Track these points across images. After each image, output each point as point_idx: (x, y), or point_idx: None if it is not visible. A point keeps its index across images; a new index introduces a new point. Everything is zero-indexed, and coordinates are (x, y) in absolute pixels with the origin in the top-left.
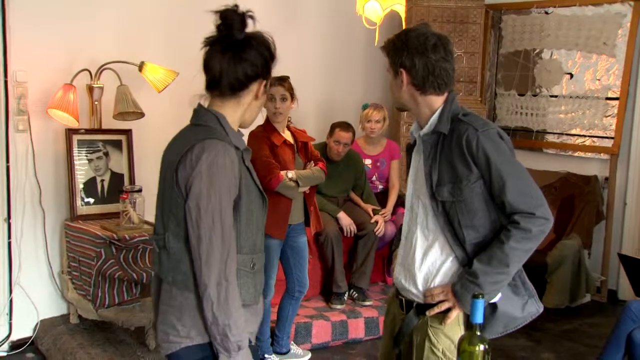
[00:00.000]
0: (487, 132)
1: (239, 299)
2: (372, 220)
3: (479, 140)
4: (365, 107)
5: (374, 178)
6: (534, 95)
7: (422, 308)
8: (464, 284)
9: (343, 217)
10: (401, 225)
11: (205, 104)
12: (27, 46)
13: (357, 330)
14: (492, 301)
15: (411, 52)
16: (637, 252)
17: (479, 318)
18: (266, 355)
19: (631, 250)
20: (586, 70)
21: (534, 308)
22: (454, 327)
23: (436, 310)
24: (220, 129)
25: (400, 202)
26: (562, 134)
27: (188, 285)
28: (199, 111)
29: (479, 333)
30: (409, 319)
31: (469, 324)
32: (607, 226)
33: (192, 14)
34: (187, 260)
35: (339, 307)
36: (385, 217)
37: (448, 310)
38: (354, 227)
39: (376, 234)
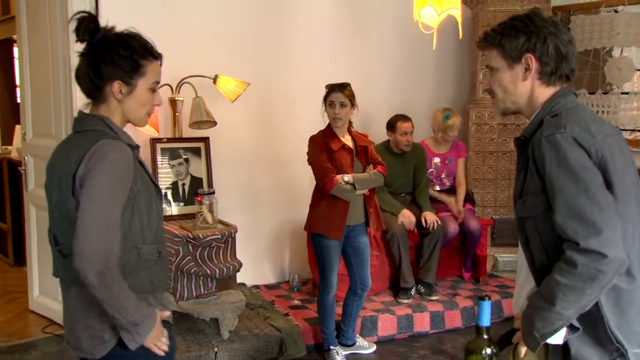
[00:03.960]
0: (554, 136)
1: (123, 282)
2: (422, 218)
3: (541, 146)
4: (448, 117)
5: (443, 175)
6: (605, 93)
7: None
8: (523, 317)
9: (404, 213)
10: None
11: (87, 109)
12: None
13: (422, 323)
14: (552, 343)
15: (541, 31)
16: None
17: (485, 321)
18: (331, 347)
19: None
20: None
21: None
22: None
23: (515, 339)
24: (109, 129)
25: (467, 198)
26: (635, 130)
27: None
28: (81, 118)
29: (485, 336)
30: (502, 337)
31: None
32: None
33: (260, 28)
34: None
35: (405, 301)
36: (460, 215)
37: None
38: (412, 220)
39: (429, 229)
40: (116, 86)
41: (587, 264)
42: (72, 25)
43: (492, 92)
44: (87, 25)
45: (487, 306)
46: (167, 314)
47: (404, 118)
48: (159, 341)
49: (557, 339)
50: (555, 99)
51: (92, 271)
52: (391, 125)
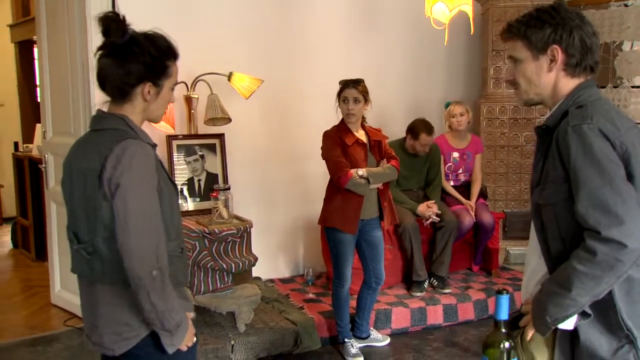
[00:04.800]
0: (581, 126)
1: (170, 284)
2: (419, 209)
3: (567, 136)
4: (447, 105)
5: (460, 170)
6: (615, 87)
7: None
8: (534, 301)
9: (422, 208)
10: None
11: (106, 108)
12: None
13: (435, 316)
14: (563, 328)
15: (567, 23)
16: None
17: (502, 315)
18: (346, 340)
19: None
20: None
21: (632, 358)
22: (539, 346)
23: (522, 322)
24: (129, 129)
25: (481, 194)
26: None
27: None
28: (101, 116)
29: (503, 330)
30: (510, 321)
31: (561, 348)
32: None
33: (274, 25)
34: None
35: (418, 294)
36: (472, 210)
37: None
38: (434, 211)
39: (425, 224)
40: (147, 87)
41: (607, 252)
42: (97, 26)
43: (515, 83)
44: (117, 26)
45: (505, 300)
46: (192, 314)
47: (428, 130)
48: (190, 341)
49: (568, 324)
50: (579, 90)
51: (145, 270)
52: (414, 133)
